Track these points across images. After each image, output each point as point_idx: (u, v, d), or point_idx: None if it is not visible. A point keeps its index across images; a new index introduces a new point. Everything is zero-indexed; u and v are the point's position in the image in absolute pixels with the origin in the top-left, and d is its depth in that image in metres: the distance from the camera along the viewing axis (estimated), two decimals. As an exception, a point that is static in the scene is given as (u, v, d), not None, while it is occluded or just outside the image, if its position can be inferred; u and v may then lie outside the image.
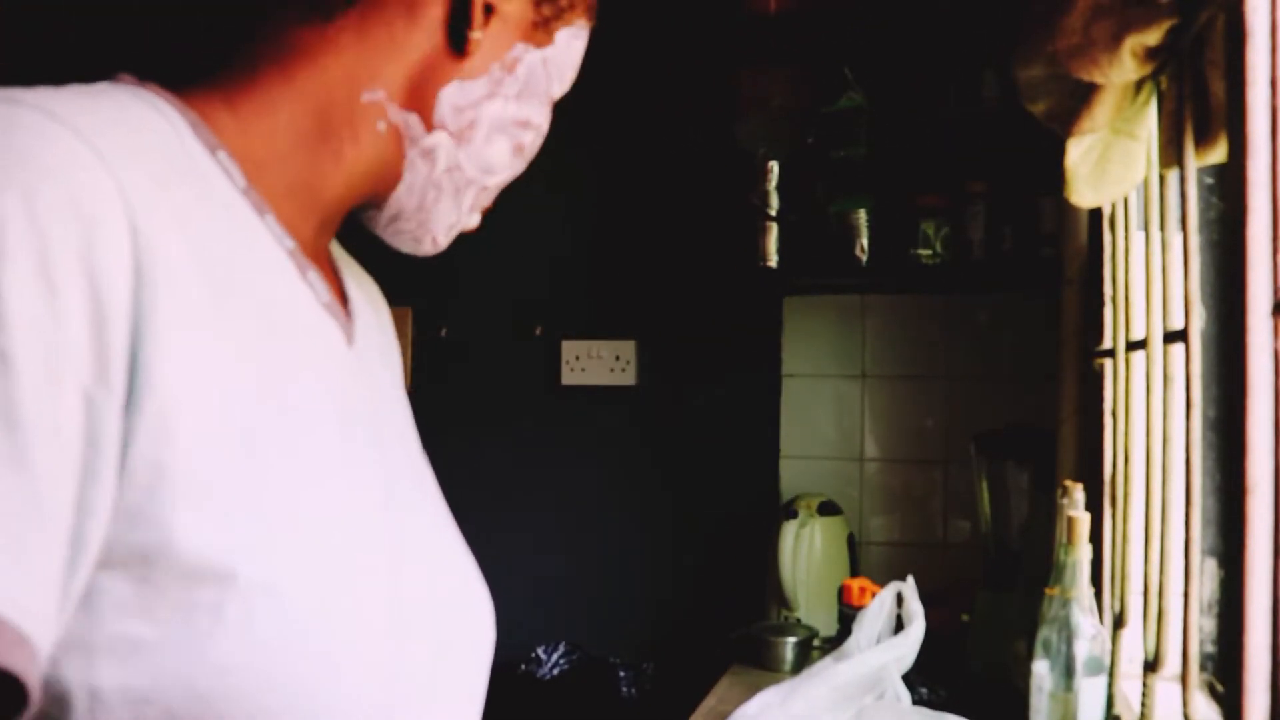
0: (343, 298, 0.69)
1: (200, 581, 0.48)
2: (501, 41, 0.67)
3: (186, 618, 0.48)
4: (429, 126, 0.66)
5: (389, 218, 0.69)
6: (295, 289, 0.61)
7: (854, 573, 1.92)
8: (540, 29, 0.69)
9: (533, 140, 0.72)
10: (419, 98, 0.65)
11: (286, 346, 0.58)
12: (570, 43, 0.72)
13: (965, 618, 1.68)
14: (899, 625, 1.46)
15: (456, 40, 0.65)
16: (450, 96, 0.66)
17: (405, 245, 0.72)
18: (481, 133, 0.68)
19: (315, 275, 0.64)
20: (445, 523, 0.73)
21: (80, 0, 2.22)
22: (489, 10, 0.66)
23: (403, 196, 0.68)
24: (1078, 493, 1.17)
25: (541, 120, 0.72)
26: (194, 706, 0.48)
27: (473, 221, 0.74)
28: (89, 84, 0.56)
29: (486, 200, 0.74)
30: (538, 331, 2.23)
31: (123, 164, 0.50)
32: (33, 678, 0.43)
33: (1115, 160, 1.09)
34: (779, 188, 1.90)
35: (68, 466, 0.45)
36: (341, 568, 0.55)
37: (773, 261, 1.90)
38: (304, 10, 0.63)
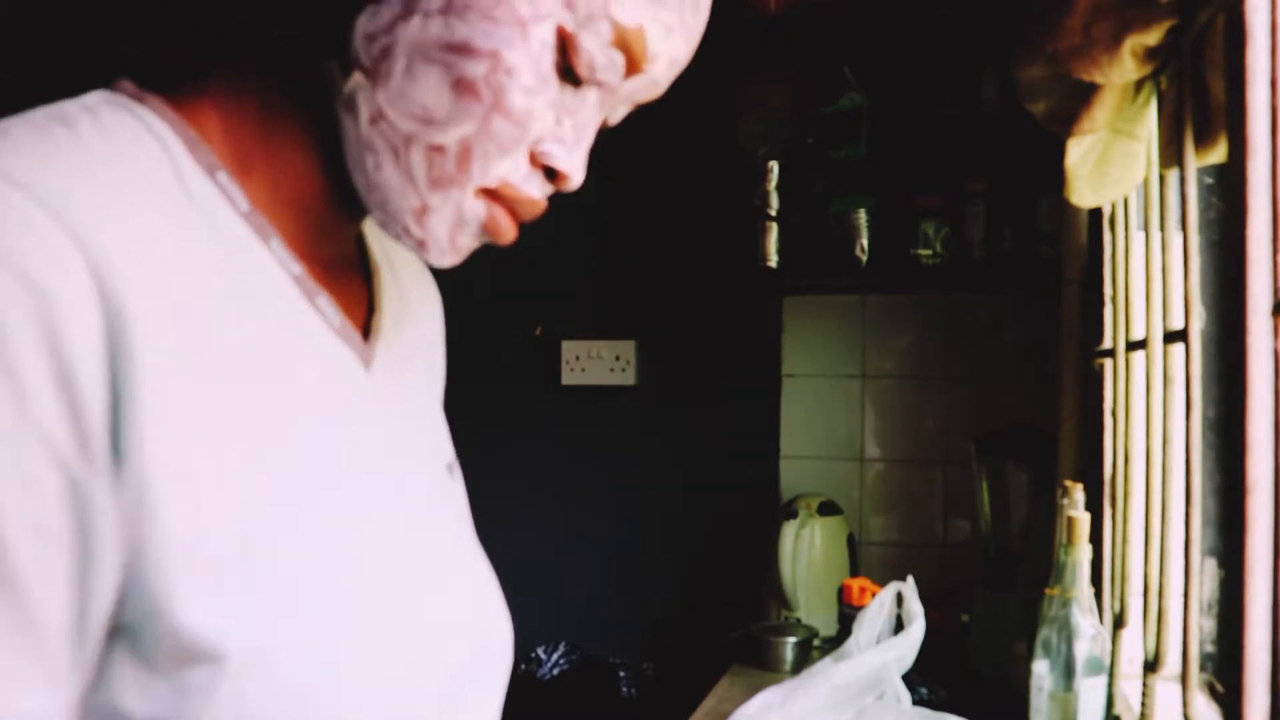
0: (367, 311, 0.64)
1: (191, 662, 0.46)
2: None
3: (179, 698, 0.46)
4: (345, 70, 0.54)
5: (366, 208, 0.59)
6: (302, 318, 0.57)
7: (854, 573, 1.92)
8: None
9: (487, 73, 0.52)
10: (336, 39, 0.54)
11: (287, 392, 0.54)
12: None
13: (965, 618, 1.68)
14: (899, 625, 1.46)
15: None
16: (362, 25, 0.53)
17: (417, 253, 0.59)
18: (399, 63, 0.52)
19: (326, 300, 0.59)
20: (468, 543, 0.69)
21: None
22: None
23: (351, 173, 0.57)
24: (1078, 493, 1.17)
25: (498, 45, 0.52)
26: None
27: (472, 215, 0.57)
28: (79, 98, 0.52)
29: (460, 174, 0.55)
30: (538, 331, 2.23)
31: (90, 219, 0.46)
32: None
33: (1115, 160, 1.09)
34: (779, 188, 1.90)
35: (62, 563, 0.44)
36: (349, 619, 0.53)
37: (773, 262, 1.90)
38: None
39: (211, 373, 0.49)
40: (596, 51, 0.55)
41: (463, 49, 0.52)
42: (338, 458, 0.56)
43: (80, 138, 0.49)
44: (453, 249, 0.58)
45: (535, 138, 0.56)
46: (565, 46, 0.54)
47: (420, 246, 0.57)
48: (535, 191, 0.58)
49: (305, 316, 0.57)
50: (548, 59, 0.54)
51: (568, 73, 0.56)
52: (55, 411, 0.43)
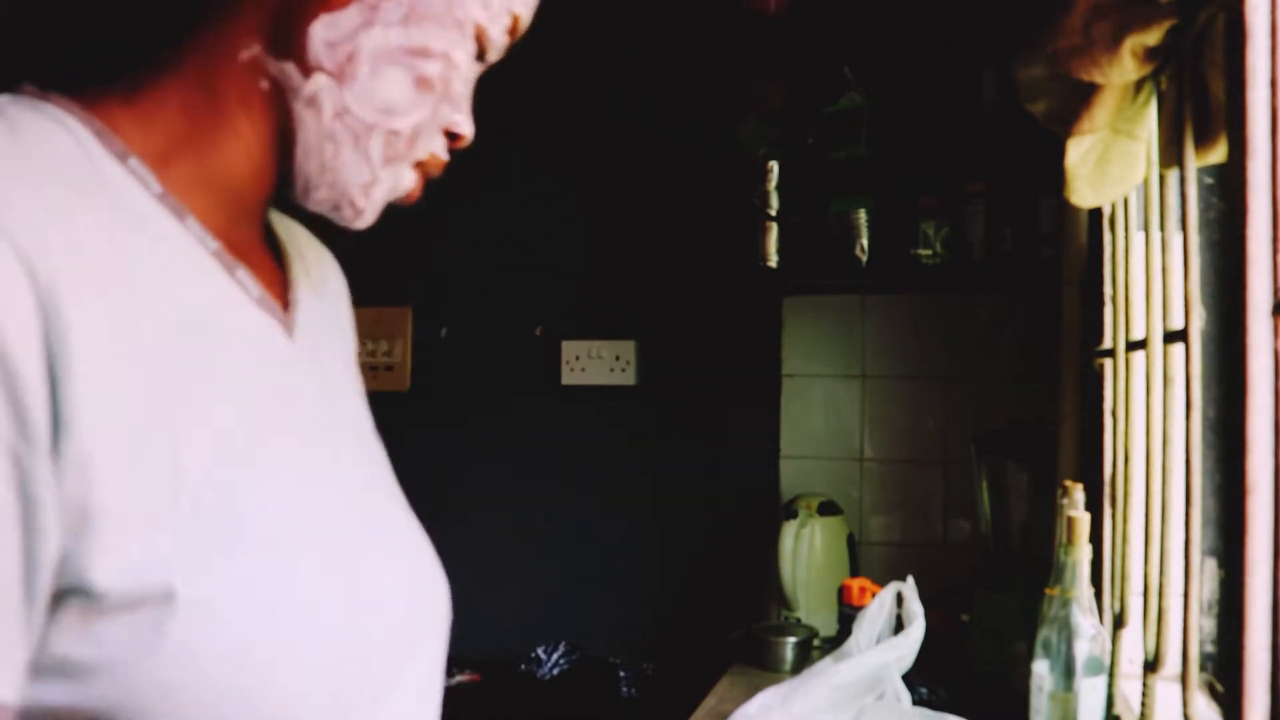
0: (282, 286, 0.68)
1: (139, 606, 0.50)
2: None
3: (129, 640, 0.49)
4: (306, 72, 0.61)
5: (302, 189, 0.64)
6: (224, 291, 0.60)
7: (854, 573, 1.92)
8: None
9: (441, 71, 0.64)
10: (289, 42, 0.61)
11: (216, 356, 0.57)
12: None
13: (965, 618, 1.68)
14: (899, 625, 1.46)
15: None
16: (320, 33, 0.61)
17: (335, 217, 0.66)
18: (364, 66, 0.61)
19: (245, 273, 0.62)
20: (399, 507, 0.72)
21: None
22: None
23: (302, 160, 0.63)
24: (1078, 493, 1.17)
25: (448, 47, 0.64)
26: (147, 716, 0.50)
27: (404, 183, 0.67)
28: None
29: (409, 151, 0.65)
30: (538, 331, 2.23)
31: (11, 210, 0.48)
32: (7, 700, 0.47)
33: (1115, 160, 1.09)
34: (779, 188, 1.90)
35: (8, 533, 0.47)
36: (289, 572, 0.56)
37: (773, 261, 1.90)
38: None
39: (140, 348, 0.52)
40: (498, 37, 0.68)
41: (422, 52, 0.63)
42: (272, 421, 0.59)
43: None
44: (375, 214, 0.67)
45: (452, 114, 0.67)
46: (479, 38, 0.67)
47: (356, 215, 0.66)
48: (445, 155, 0.69)
49: (226, 289, 0.61)
50: (472, 50, 0.67)
51: (479, 55, 0.68)
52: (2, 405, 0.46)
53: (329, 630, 0.57)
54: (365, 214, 0.66)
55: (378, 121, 0.63)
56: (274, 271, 0.68)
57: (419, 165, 0.67)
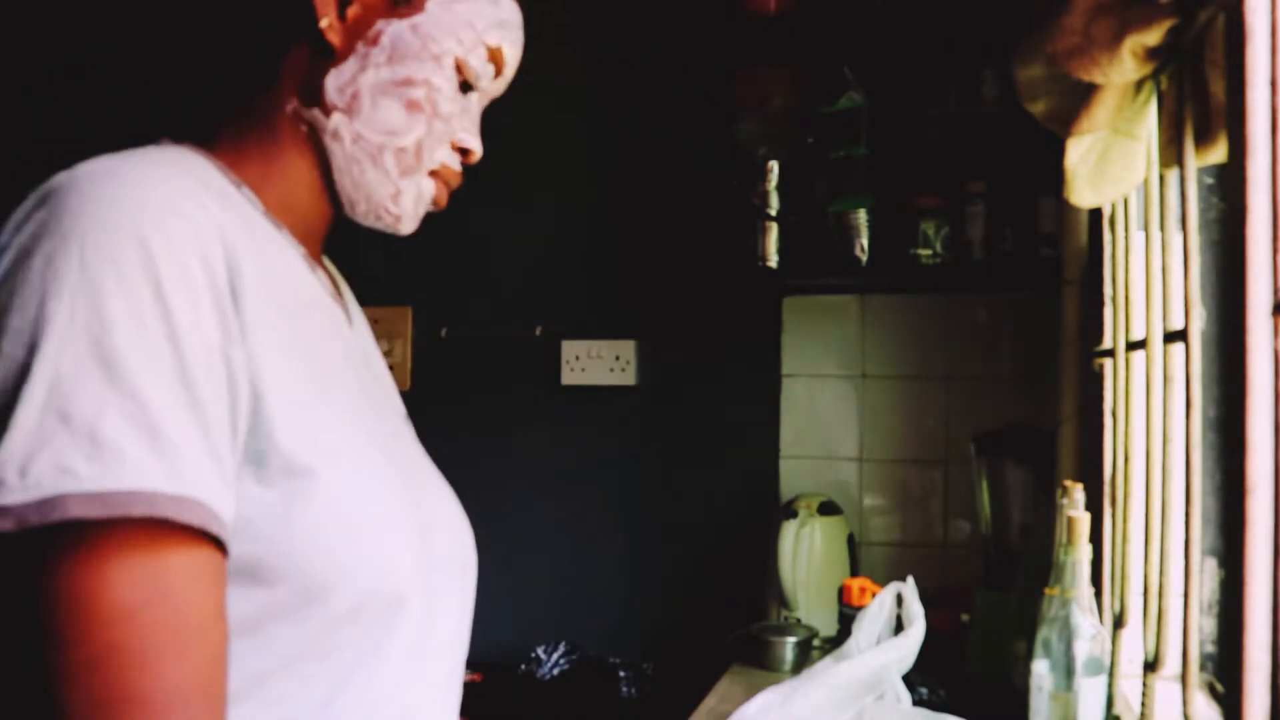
0: (336, 290, 0.87)
1: (296, 475, 0.67)
2: (364, 24, 0.80)
3: (288, 499, 0.67)
4: (326, 113, 0.80)
5: (349, 206, 0.83)
6: (314, 284, 0.81)
7: (854, 573, 1.92)
8: (403, 3, 0.80)
9: (426, 94, 0.81)
10: (313, 93, 0.80)
11: (318, 324, 0.78)
12: (450, 5, 0.82)
13: (965, 618, 1.68)
14: (899, 626, 1.46)
15: (316, 41, 0.79)
16: (332, 82, 0.79)
17: (381, 227, 0.85)
18: (366, 101, 0.79)
19: (321, 274, 0.83)
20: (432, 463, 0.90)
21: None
22: (346, 3, 0.79)
23: (340, 182, 0.82)
24: (1078, 493, 1.17)
25: (427, 75, 0.81)
26: (293, 560, 0.66)
27: (426, 190, 0.84)
28: (140, 149, 0.72)
29: (418, 163, 0.82)
30: (538, 331, 2.23)
31: (202, 203, 0.67)
32: (226, 539, 0.63)
33: (1115, 160, 1.09)
34: (779, 188, 1.90)
35: (220, 398, 0.63)
36: (379, 476, 0.74)
37: (773, 261, 1.90)
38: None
39: (281, 302, 0.72)
40: (479, 67, 0.84)
41: (407, 82, 0.80)
42: (350, 382, 0.79)
43: (166, 161, 0.72)
44: (414, 219, 0.85)
45: (454, 131, 0.84)
46: (460, 68, 0.83)
47: (395, 221, 0.84)
48: (457, 166, 0.86)
49: (315, 283, 0.81)
50: (454, 78, 0.83)
51: (464, 86, 0.84)
52: (214, 321, 0.64)
53: (407, 518, 0.75)
54: (403, 219, 0.84)
55: (385, 142, 0.80)
56: (329, 280, 0.86)
57: (435, 174, 0.84)
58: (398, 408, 0.92)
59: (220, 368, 0.64)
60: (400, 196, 0.82)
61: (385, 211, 0.83)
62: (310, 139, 0.81)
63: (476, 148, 0.86)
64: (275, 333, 0.69)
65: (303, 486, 0.67)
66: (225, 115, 0.82)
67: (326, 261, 0.90)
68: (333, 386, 0.75)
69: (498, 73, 0.86)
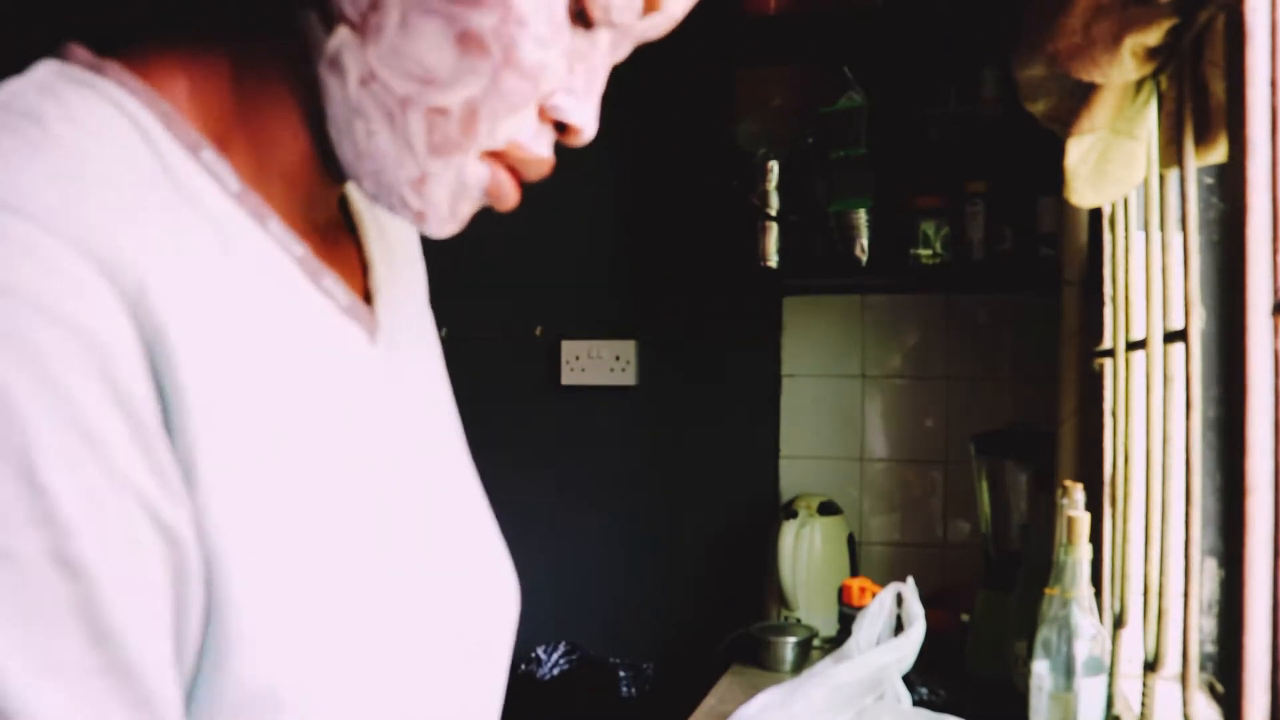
0: (363, 270, 0.59)
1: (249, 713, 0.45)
2: None
3: None
4: (328, 23, 0.48)
5: (354, 180, 0.53)
6: (309, 302, 0.52)
7: (854, 573, 1.91)
8: None
9: (496, 24, 0.47)
10: None
11: (307, 383, 0.51)
12: None
13: (965, 618, 1.68)
14: (899, 626, 1.46)
15: None
16: None
17: (399, 215, 0.54)
18: (392, 16, 0.47)
19: (333, 280, 0.54)
20: (487, 515, 0.67)
21: None
22: None
23: (339, 144, 0.51)
24: (1078, 493, 1.17)
25: None
26: None
27: (472, 180, 0.52)
28: (30, 75, 0.46)
29: (465, 138, 0.50)
30: (538, 331, 2.23)
31: (97, 235, 0.41)
32: None
33: (1115, 160, 1.09)
34: (779, 188, 1.90)
35: (163, 623, 0.42)
36: (383, 649, 0.51)
37: (773, 261, 1.90)
38: None
39: (238, 379, 0.46)
40: None
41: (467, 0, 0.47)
42: (362, 450, 0.54)
43: (55, 136, 0.43)
44: (453, 218, 0.53)
45: (546, 90, 0.50)
46: None
47: (419, 218, 0.53)
48: (544, 149, 0.52)
49: (312, 300, 0.53)
50: (556, 3, 0.48)
51: (579, 15, 0.50)
52: (136, 460, 0.41)
53: (413, 693, 0.53)
54: (429, 217, 0.52)
55: (413, 94, 0.48)
56: (353, 253, 0.60)
57: (494, 156, 0.52)
58: (443, 433, 0.67)
59: (159, 571, 0.42)
60: (426, 185, 0.51)
61: (401, 204, 0.52)
62: (299, 66, 0.50)
63: (580, 121, 0.52)
64: (237, 423, 0.45)
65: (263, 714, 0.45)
66: (174, 12, 0.50)
67: (358, 210, 0.62)
68: (319, 487, 0.50)
69: (650, 5, 0.51)
